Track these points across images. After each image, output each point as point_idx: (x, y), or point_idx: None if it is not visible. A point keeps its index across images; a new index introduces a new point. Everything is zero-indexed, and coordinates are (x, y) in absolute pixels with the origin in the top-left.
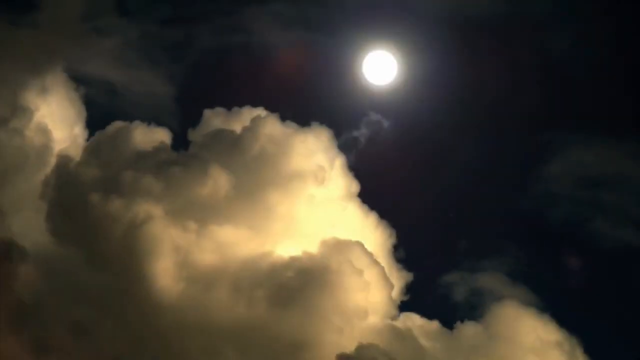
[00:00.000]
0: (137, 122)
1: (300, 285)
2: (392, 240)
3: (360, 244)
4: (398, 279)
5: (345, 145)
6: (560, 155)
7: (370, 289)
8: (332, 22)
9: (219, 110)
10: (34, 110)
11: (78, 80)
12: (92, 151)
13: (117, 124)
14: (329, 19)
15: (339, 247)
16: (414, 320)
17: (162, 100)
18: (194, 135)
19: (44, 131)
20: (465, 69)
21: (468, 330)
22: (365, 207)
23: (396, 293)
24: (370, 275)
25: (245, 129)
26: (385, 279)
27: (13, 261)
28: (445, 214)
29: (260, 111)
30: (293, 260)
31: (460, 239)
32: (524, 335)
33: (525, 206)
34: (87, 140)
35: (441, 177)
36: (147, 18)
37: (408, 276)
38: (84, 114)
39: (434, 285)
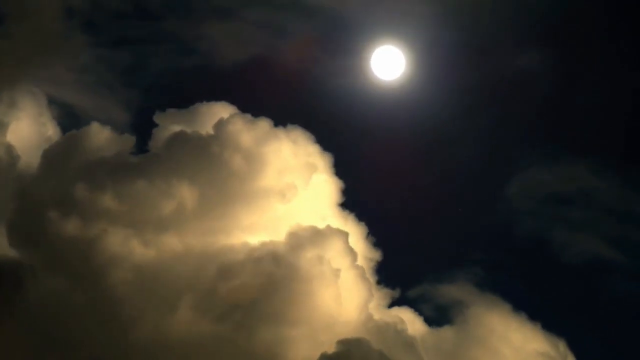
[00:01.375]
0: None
1: (271, 292)
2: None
3: (338, 242)
4: None
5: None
6: (521, 173)
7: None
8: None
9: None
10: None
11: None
12: (47, 164)
13: (71, 133)
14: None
15: (314, 248)
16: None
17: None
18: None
19: (8, 146)
20: None
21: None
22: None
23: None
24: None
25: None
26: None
27: None
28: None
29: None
30: (261, 263)
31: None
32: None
33: (491, 221)
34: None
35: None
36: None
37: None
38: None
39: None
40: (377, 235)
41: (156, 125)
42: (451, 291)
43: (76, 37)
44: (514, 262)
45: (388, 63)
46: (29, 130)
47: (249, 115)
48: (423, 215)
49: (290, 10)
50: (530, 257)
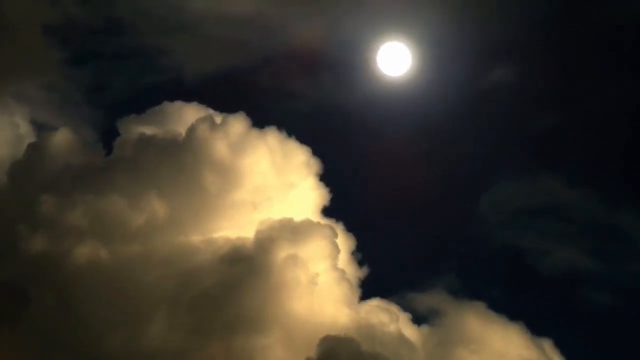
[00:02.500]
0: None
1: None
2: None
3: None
4: None
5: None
6: (493, 187)
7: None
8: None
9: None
10: None
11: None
12: (14, 177)
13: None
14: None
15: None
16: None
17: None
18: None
19: None
20: None
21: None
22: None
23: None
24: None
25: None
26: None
27: None
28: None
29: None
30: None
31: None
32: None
33: (465, 233)
34: None
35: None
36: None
37: None
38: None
39: None
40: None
41: (120, 134)
42: (428, 300)
43: (50, 53)
44: (490, 271)
45: (394, 59)
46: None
47: (224, 116)
48: (400, 224)
49: (294, 6)
50: (506, 267)
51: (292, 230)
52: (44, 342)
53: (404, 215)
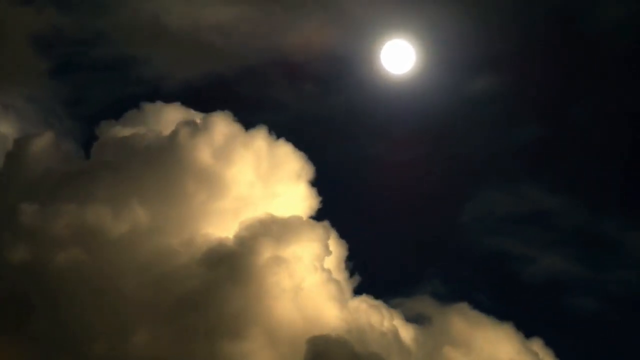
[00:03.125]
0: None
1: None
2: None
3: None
4: None
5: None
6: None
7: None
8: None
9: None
10: None
11: None
12: None
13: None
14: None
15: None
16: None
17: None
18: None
19: None
20: None
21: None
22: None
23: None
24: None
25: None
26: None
27: None
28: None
29: None
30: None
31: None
32: None
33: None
34: None
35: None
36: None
37: None
38: None
39: None
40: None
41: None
42: (414, 304)
43: (35, 64)
44: (475, 277)
45: (398, 57)
46: None
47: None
48: (387, 228)
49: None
50: (491, 273)
51: (278, 230)
52: (29, 349)
53: (391, 221)
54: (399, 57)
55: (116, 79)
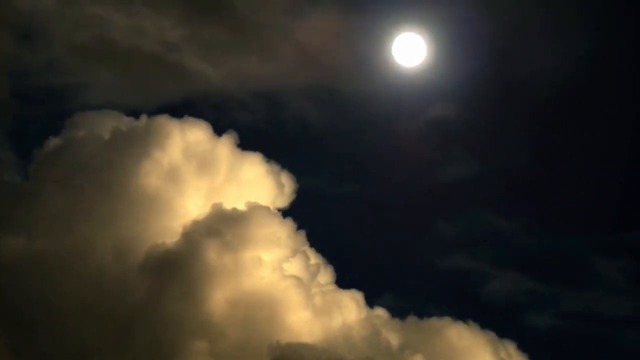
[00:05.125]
0: None
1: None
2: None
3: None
4: None
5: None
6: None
7: None
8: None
9: None
10: None
11: None
12: None
13: None
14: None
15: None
16: None
17: None
18: None
19: None
20: None
21: None
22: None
23: None
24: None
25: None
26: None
27: None
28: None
29: None
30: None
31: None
32: None
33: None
34: None
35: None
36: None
37: None
38: None
39: None
40: None
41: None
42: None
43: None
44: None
45: (409, 50)
46: None
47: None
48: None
49: None
50: (449, 290)
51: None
52: None
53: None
54: (410, 50)
55: (57, 107)
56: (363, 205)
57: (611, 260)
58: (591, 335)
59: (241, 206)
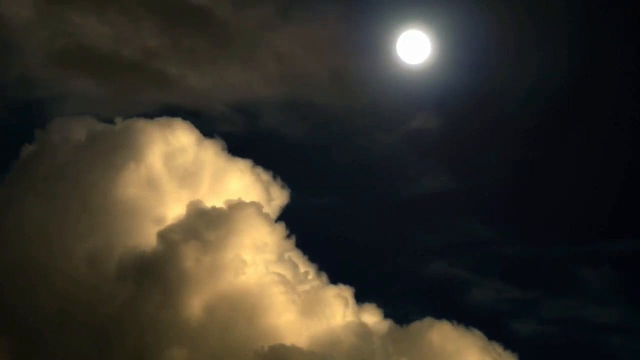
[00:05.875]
0: None
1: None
2: None
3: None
4: None
5: None
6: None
7: None
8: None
9: None
10: None
11: None
12: None
13: None
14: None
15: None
16: None
17: None
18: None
19: None
20: None
21: None
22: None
23: None
24: None
25: None
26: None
27: None
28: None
29: None
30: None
31: None
32: None
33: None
34: None
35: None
36: None
37: None
38: None
39: None
40: None
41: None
42: None
43: None
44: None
45: (414, 47)
46: None
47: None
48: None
49: None
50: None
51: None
52: None
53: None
54: (414, 47)
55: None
56: (343, 216)
57: (594, 269)
58: (574, 342)
59: (220, 204)
